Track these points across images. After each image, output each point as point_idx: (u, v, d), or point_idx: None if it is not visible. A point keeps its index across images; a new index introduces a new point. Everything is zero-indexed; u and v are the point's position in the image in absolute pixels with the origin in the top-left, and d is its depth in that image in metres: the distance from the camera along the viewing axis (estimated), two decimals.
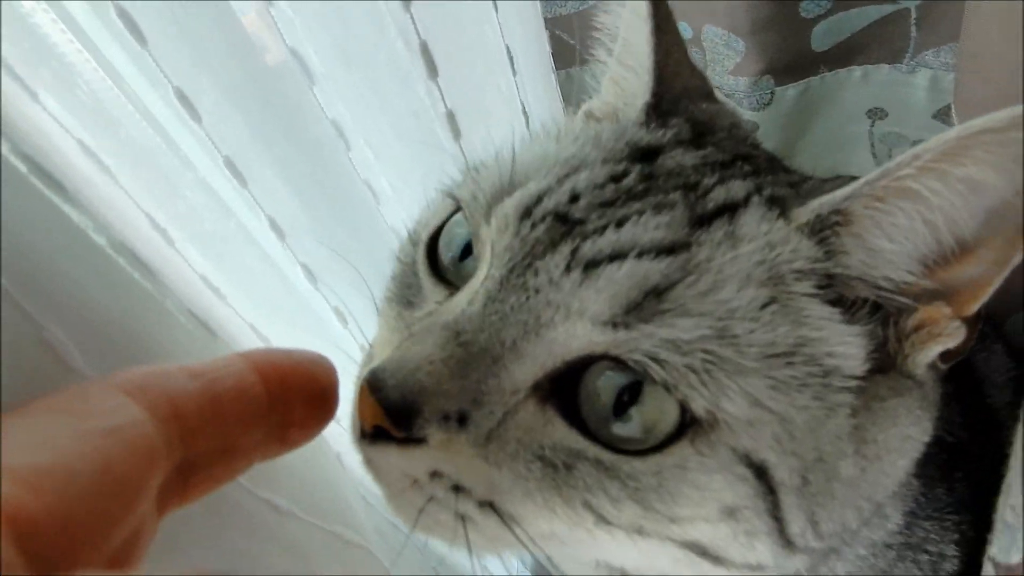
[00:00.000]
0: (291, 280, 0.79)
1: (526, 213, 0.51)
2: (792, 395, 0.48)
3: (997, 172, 0.44)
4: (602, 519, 0.49)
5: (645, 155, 0.55)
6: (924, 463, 0.66)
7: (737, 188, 0.53)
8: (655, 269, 0.47)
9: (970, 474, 0.72)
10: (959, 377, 0.77)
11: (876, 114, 1.10)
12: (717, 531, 0.49)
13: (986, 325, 0.80)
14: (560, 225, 0.50)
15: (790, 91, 1.08)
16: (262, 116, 0.66)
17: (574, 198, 0.51)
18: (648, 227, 0.49)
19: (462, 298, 0.51)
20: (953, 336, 0.51)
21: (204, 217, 0.67)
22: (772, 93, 1.08)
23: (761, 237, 0.50)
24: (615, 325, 0.46)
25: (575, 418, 0.48)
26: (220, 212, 0.69)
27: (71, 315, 0.38)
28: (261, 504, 0.59)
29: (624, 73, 0.64)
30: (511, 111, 0.80)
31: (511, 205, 0.51)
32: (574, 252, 0.48)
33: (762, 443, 0.47)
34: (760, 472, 0.48)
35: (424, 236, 0.58)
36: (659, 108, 0.60)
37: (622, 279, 0.47)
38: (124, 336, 0.46)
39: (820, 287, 0.50)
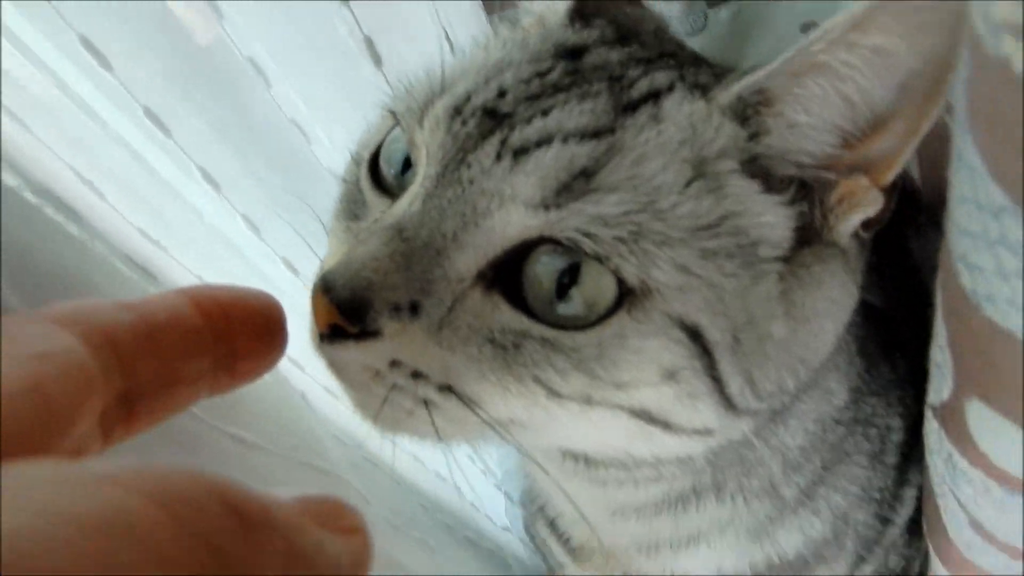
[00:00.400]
0: (233, 231, 0.79)
1: (456, 111, 0.52)
2: (720, 263, 0.50)
3: (903, 40, 0.46)
4: (552, 392, 0.51)
5: (571, 54, 0.57)
6: (865, 342, 0.68)
7: (661, 78, 0.54)
8: (581, 152, 0.49)
9: (909, 352, 0.74)
10: (896, 263, 0.79)
11: (810, 28, 1.10)
12: (660, 394, 0.52)
13: (923, 214, 0.82)
14: (489, 120, 0.52)
15: (723, 12, 1.09)
16: (175, 60, 0.66)
17: (501, 93, 0.53)
18: (573, 114, 0.51)
19: (403, 201, 0.53)
20: (872, 205, 0.53)
21: (131, 170, 0.67)
22: (705, 16, 1.09)
23: (684, 118, 0.52)
24: (547, 207, 0.49)
25: (520, 302, 0.51)
26: (147, 165, 0.69)
27: None
28: (227, 438, 0.61)
29: None
30: (435, 36, 0.80)
31: (441, 106, 0.53)
32: (503, 142, 0.50)
33: (693, 307, 0.50)
34: (694, 334, 0.50)
35: (366, 155, 0.60)
36: (583, 12, 0.61)
37: (550, 162, 0.49)
38: (56, 277, 0.47)
39: (744, 164, 0.52)
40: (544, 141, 0.50)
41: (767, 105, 0.51)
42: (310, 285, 0.87)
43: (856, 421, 0.70)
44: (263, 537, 0.22)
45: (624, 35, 0.61)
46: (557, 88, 0.53)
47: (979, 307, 0.44)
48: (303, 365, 0.90)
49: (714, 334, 0.50)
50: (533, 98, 0.52)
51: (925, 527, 0.73)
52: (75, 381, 0.28)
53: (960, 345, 0.49)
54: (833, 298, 0.55)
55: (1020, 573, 0.60)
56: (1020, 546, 0.57)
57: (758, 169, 0.52)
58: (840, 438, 0.69)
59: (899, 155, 0.51)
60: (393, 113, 0.59)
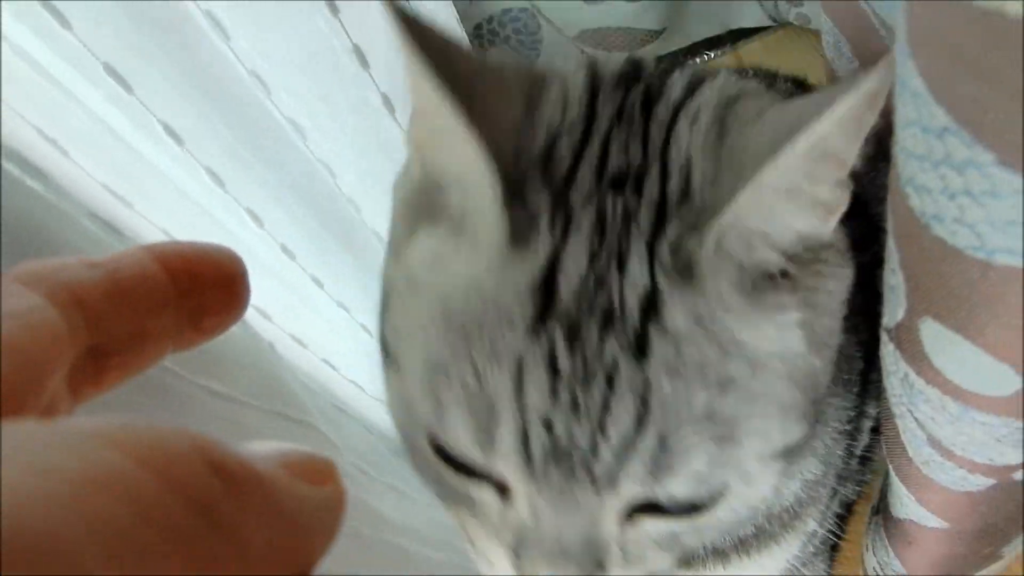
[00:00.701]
0: (197, 185, 0.80)
1: (527, 460, 0.51)
2: (773, 393, 0.52)
3: (847, 144, 0.47)
4: (713, 548, 0.61)
5: (546, 290, 0.51)
6: None
7: (637, 272, 0.50)
8: (649, 439, 0.49)
9: (861, 283, 0.76)
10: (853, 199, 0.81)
11: None
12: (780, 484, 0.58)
13: (874, 147, 0.84)
14: (562, 459, 0.51)
15: None
16: (132, 16, 0.66)
17: (549, 425, 0.51)
18: (620, 414, 0.50)
19: (525, 513, 0.54)
20: (844, 200, 0.52)
21: (94, 127, 0.67)
22: None
23: (691, 323, 0.50)
24: (647, 485, 0.51)
25: (653, 507, 0.53)
26: (110, 121, 0.69)
27: None
28: (197, 389, 0.61)
29: (435, 155, 0.54)
30: None
31: (512, 461, 0.52)
32: (593, 481, 0.51)
33: (774, 440, 0.52)
34: (785, 452, 0.53)
35: (421, 443, 0.56)
36: (510, 183, 0.50)
37: (637, 469, 0.50)
38: (22, 235, 0.47)
39: (749, 292, 0.51)
40: (620, 456, 0.50)
41: (742, 232, 0.50)
42: (277, 237, 0.88)
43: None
44: (246, 494, 0.22)
45: (551, 177, 0.52)
46: (583, 383, 0.50)
47: (928, 227, 0.46)
48: (270, 315, 0.91)
49: (793, 437, 0.53)
50: (575, 412, 0.50)
51: (885, 450, 0.75)
52: (44, 340, 0.28)
53: (912, 266, 0.51)
54: (840, 292, 0.56)
55: (977, 486, 0.62)
56: (977, 460, 0.59)
57: (755, 286, 0.52)
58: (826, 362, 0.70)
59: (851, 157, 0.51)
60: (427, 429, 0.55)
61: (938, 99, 0.40)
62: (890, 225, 0.53)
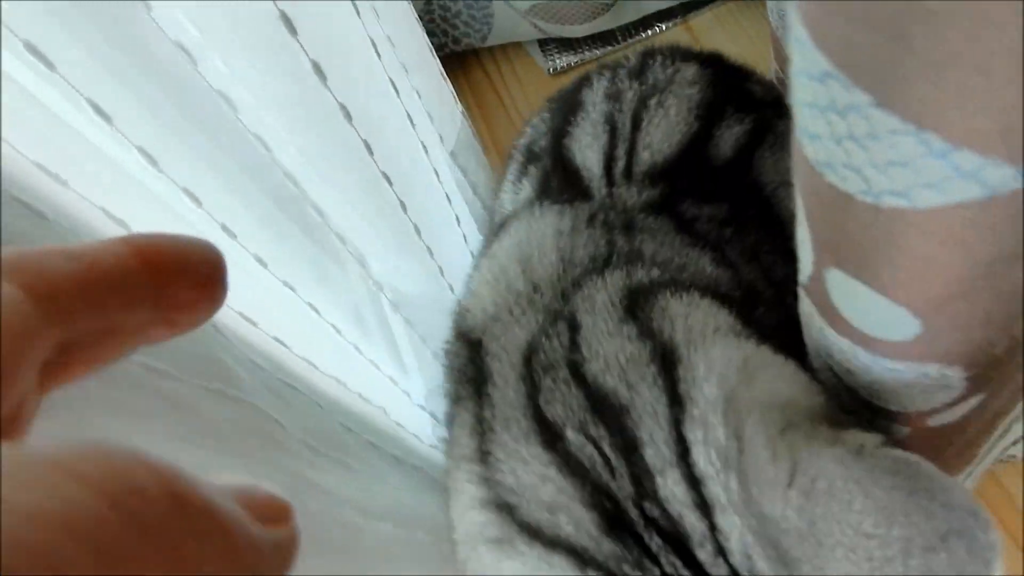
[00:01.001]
0: (131, 164, 0.79)
1: None
2: None
3: None
4: None
5: None
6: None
7: None
8: None
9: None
10: (752, 196, 0.82)
11: None
12: None
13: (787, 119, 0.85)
14: None
15: None
16: None
17: None
18: None
19: None
20: None
21: (21, 106, 0.67)
22: None
23: None
24: None
25: None
26: (37, 100, 0.69)
27: None
28: (134, 365, 0.62)
29: None
30: None
31: None
32: None
33: None
34: None
35: None
36: None
37: None
38: None
39: None
40: None
41: None
42: (216, 217, 0.88)
43: None
44: (205, 532, 0.23)
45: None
46: None
47: (823, 175, 0.47)
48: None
49: None
50: None
51: None
52: (22, 332, 0.28)
53: (814, 217, 0.52)
54: None
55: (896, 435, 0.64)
56: (892, 409, 0.60)
57: None
58: None
59: None
60: None
61: (818, 44, 0.40)
62: (795, 178, 0.54)
